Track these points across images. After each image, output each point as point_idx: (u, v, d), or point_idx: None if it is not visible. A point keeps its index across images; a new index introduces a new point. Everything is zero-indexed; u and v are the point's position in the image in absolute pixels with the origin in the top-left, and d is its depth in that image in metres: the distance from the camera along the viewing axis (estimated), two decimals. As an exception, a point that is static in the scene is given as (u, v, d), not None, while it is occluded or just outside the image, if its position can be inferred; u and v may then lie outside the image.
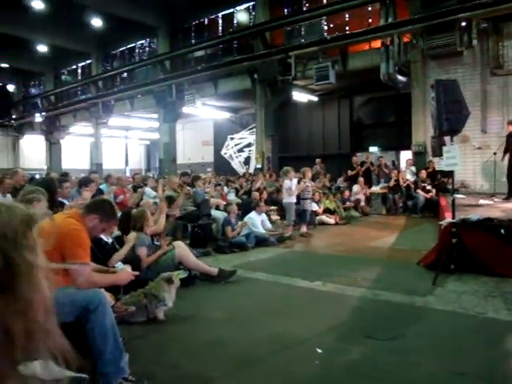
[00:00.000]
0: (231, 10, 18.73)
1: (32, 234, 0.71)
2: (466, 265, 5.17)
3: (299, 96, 15.76)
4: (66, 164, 25.16)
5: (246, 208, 9.04)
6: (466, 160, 11.05)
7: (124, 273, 3.28)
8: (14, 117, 27.64)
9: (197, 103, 16.88)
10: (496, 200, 8.96)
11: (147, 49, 22.70)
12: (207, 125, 23.29)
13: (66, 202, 5.83)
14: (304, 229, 8.94)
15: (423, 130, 12.43)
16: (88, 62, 25.56)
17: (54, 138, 25.47)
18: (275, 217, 9.88)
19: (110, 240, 4.66)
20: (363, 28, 12.95)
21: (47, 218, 0.80)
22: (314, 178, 11.42)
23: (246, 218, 8.08)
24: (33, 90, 30.02)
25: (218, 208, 8.87)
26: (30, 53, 23.91)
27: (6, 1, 18.01)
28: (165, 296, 3.87)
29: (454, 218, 5.38)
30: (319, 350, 3.19)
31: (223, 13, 19.01)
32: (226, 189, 11.31)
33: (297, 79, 14.26)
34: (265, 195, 10.26)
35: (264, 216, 8.56)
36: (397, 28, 11.78)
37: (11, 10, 18.83)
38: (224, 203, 9.20)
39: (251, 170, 17.56)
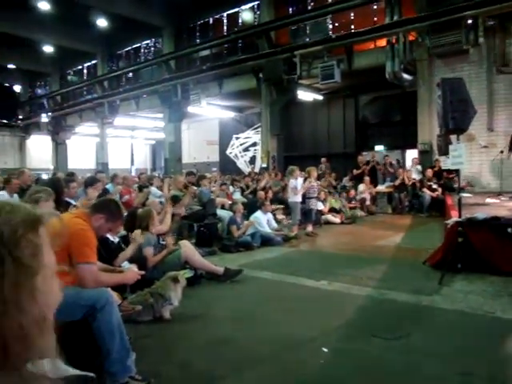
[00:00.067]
0: (236, 10, 18.75)
1: (35, 236, 0.68)
2: (473, 264, 5.14)
3: (304, 95, 15.73)
4: (72, 164, 25.29)
5: (251, 207, 9.04)
6: (473, 159, 11.00)
7: (130, 272, 3.29)
8: (20, 117, 27.81)
9: (202, 103, 16.90)
10: (503, 198, 8.90)
11: (152, 49, 22.78)
12: (212, 124, 23.32)
13: (72, 201, 5.86)
14: (309, 228, 8.93)
15: (429, 128, 12.37)
16: (94, 62, 25.71)
17: (60, 138, 25.59)
18: (281, 216, 9.87)
19: (116, 239, 4.68)
20: (368, 26, 12.88)
21: (55, 218, 0.76)
22: (319, 177, 11.40)
23: (251, 218, 8.08)
24: (39, 91, 30.20)
25: (223, 207, 8.88)
26: (36, 53, 24.10)
27: (12, 2, 18.13)
28: (171, 295, 3.88)
29: (460, 216, 5.36)
30: (325, 349, 3.19)
31: (228, 12, 19.05)
32: (231, 188, 11.32)
33: (302, 78, 14.23)
34: (270, 194, 10.26)
35: (270, 215, 8.57)
36: (402, 26, 11.72)
37: (17, 11, 18.98)
38: (229, 202, 9.22)
39: (256, 170, 17.56)
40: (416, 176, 12.19)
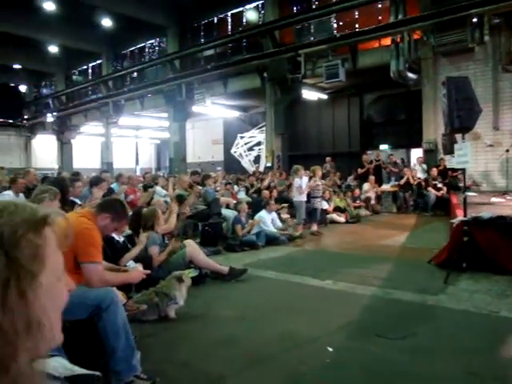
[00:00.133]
0: (240, 9, 18.75)
1: (36, 236, 0.65)
2: (478, 263, 5.12)
3: (309, 94, 15.72)
4: (77, 163, 25.39)
5: (256, 206, 9.04)
6: (478, 157, 10.95)
7: (136, 271, 3.31)
8: (26, 117, 27.94)
9: (206, 102, 16.92)
10: (508, 198, 8.86)
11: (157, 48, 22.84)
12: (217, 123, 23.34)
13: (77, 201, 5.89)
14: (314, 227, 8.92)
15: (434, 127, 12.32)
16: (98, 62, 25.81)
17: (65, 138, 25.70)
18: (285, 215, 9.87)
19: (121, 239, 4.69)
20: (373, 25, 12.85)
21: (62, 217, 0.73)
22: (324, 177, 11.39)
23: (256, 217, 8.09)
24: (44, 91, 30.34)
25: (228, 207, 8.88)
26: (42, 53, 24.22)
27: (18, 2, 18.22)
28: (176, 294, 3.89)
29: (465, 216, 5.33)
30: (330, 349, 3.18)
31: (232, 12, 19.05)
32: (236, 187, 11.32)
33: (306, 77, 14.22)
34: (275, 194, 10.25)
35: (274, 215, 8.56)
36: (407, 25, 11.68)
37: (23, 12, 19.08)
38: (234, 202, 9.22)
39: (261, 169, 17.55)
40: (421, 175, 12.15)
